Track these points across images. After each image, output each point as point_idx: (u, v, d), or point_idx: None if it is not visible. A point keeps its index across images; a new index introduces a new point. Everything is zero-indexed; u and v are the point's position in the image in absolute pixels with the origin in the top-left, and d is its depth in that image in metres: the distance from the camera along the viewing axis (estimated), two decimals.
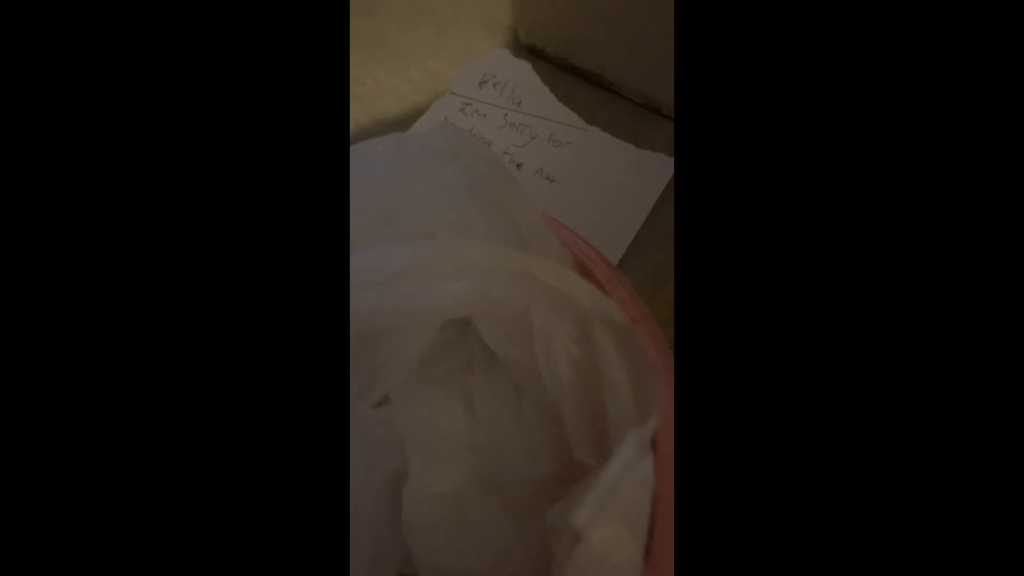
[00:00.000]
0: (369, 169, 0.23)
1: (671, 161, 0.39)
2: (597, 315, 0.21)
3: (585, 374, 0.22)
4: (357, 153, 0.23)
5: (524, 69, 0.45)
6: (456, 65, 0.47)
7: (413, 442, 0.24)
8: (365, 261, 0.22)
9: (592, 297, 0.21)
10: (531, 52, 0.46)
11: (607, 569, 0.17)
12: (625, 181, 0.38)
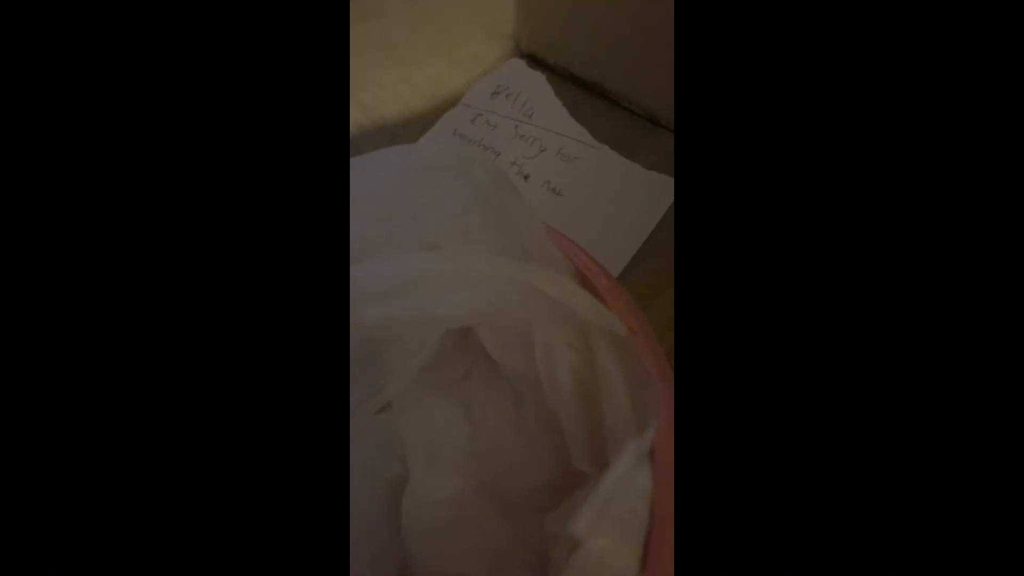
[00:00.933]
0: (377, 180, 0.23)
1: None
2: (597, 326, 0.22)
3: (585, 384, 0.22)
4: (365, 163, 0.24)
5: (538, 81, 0.45)
6: (459, 71, 0.48)
7: (414, 448, 0.25)
8: (371, 271, 0.22)
9: (593, 308, 0.21)
10: (532, 61, 0.47)
11: None
12: (629, 199, 0.39)
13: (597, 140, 0.42)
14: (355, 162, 0.24)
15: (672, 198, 0.39)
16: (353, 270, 0.22)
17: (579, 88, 0.45)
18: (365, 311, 0.22)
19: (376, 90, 0.48)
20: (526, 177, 0.40)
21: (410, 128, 0.45)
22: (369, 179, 0.24)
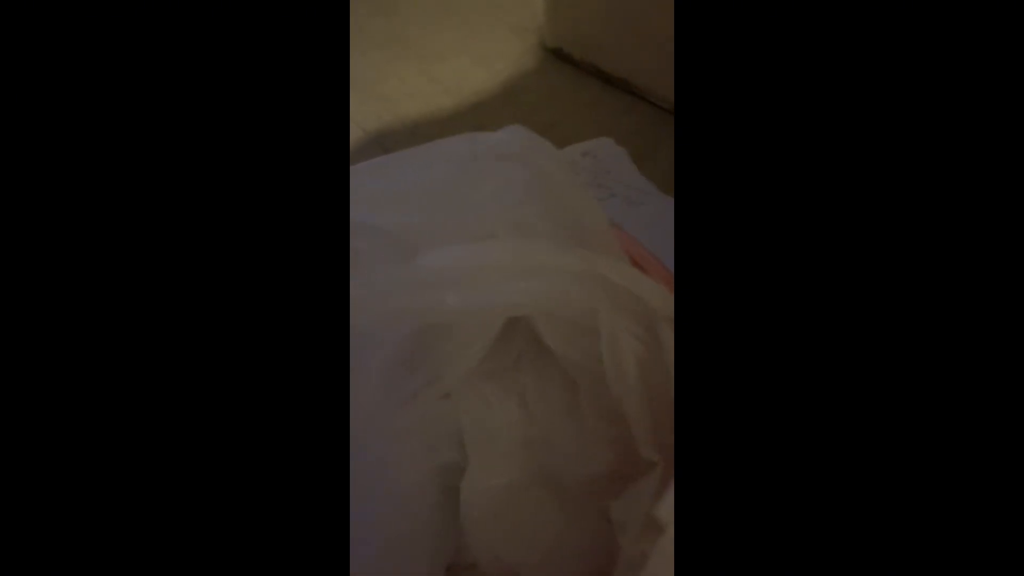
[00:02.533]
0: (440, 168, 0.23)
1: None
2: (664, 315, 0.22)
3: (649, 372, 0.22)
4: (428, 152, 0.24)
5: (622, 154, 0.46)
6: (482, 67, 0.48)
7: (471, 436, 0.25)
8: (434, 259, 0.22)
9: (660, 296, 0.22)
10: (557, 56, 0.47)
11: None
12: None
13: (662, 191, 0.44)
14: (419, 150, 0.24)
15: None
16: (417, 259, 0.22)
17: (605, 83, 0.45)
18: (427, 299, 0.22)
19: (397, 83, 0.48)
20: None
21: (431, 122, 0.45)
22: (430, 168, 0.24)
